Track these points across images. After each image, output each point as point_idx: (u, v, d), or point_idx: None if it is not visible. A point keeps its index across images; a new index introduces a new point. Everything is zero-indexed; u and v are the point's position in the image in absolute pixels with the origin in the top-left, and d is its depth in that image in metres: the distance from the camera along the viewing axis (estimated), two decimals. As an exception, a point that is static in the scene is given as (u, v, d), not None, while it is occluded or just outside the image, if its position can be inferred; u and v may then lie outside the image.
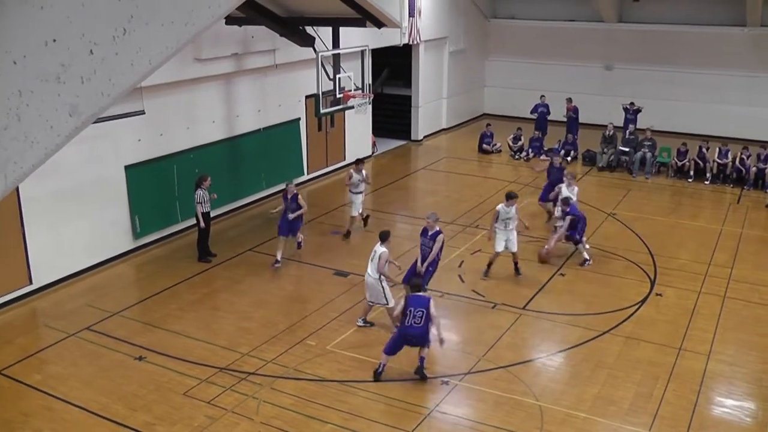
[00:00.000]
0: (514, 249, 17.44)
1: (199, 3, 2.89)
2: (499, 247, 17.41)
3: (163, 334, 14.96)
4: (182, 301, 16.47)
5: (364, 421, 12.03)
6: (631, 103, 29.22)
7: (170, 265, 18.37)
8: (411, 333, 13.03)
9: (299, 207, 18.20)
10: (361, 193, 20.36)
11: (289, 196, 18.17)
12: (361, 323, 15.28)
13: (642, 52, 32.59)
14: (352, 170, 20.32)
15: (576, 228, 18.25)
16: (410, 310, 12.98)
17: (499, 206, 17.49)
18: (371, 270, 14.69)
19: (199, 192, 18.13)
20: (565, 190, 19.54)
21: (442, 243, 15.80)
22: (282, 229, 18.24)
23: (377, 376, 13.24)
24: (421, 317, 12.94)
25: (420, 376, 13.22)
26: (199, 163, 20.15)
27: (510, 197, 17.50)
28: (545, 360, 14.05)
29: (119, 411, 12.31)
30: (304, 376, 13.33)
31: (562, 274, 17.75)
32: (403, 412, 12.32)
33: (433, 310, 12.99)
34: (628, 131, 27.77)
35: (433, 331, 13.02)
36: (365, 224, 20.73)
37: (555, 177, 21.15)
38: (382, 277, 14.60)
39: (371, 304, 15.10)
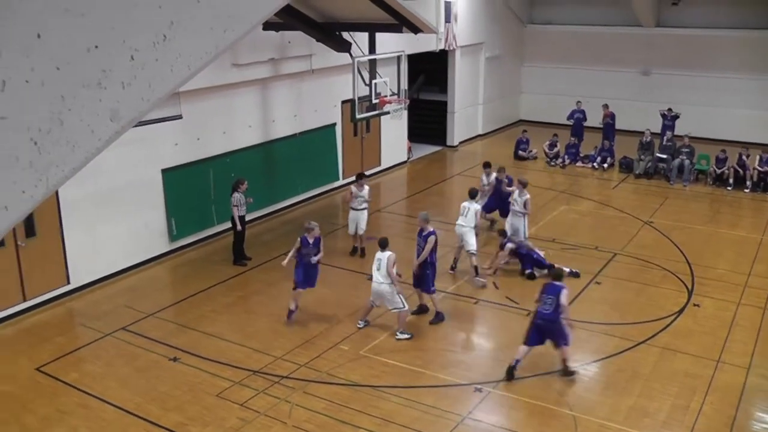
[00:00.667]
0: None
1: (238, 9, 2.93)
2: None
3: (197, 335, 15.07)
4: (217, 303, 16.58)
5: (396, 427, 12.02)
6: (669, 109, 28.97)
7: (205, 268, 18.51)
8: (542, 318, 13.35)
9: (320, 251, 15.92)
10: (362, 210, 19.06)
11: (310, 240, 15.77)
12: (361, 325, 15.38)
13: (680, 57, 32.30)
14: (353, 186, 19.30)
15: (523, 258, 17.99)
16: (542, 297, 13.42)
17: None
18: (380, 277, 14.82)
19: (236, 195, 18.29)
20: (518, 197, 19.01)
21: (434, 243, 15.73)
22: (301, 281, 15.75)
23: (510, 372, 13.40)
24: (551, 304, 13.24)
25: (567, 374, 13.49)
26: (235, 168, 20.27)
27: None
28: (580, 369, 13.95)
29: (153, 411, 12.42)
30: (336, 380, 13.36)
31: (598, 283, 17.63)
32: (436, 418, 12.29)
33: (563, 299, 13.23)
34: (665, 138, 27.50)
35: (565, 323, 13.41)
36: (362, 254, 19.23)
37: (498, 193, 20.94)
38: (393, 281, 14.75)
39: (374, 305, 15.37)
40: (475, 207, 17.57)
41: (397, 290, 14.84)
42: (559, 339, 13.36)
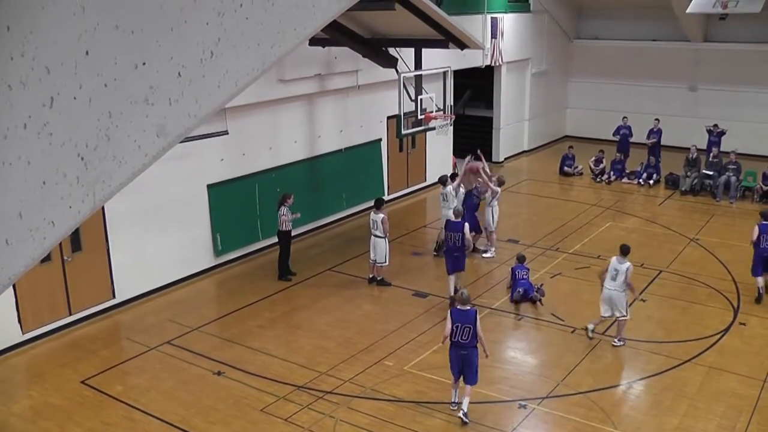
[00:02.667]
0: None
1: (285, 25, 2.92)
2: None
3: (242, 350, 15.11)
4: (262, 318, 16.62)
5: (440, 444, 11.96)
6: (715, 125, 28.59)
7: (250, 283, 18.57)
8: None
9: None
10: (382, 238, 18.18)
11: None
12: (591, 327, 15.68)
13: (727, 72, 31.85)
14: (371, 213, 18.60)
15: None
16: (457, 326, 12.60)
17: None
18: (617, 285, 15.02)
19: (283, 209, 18.39)
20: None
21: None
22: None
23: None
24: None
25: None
26: (280, 183, 20.35)
27: None
28: (625, 387, 13.80)
29: (198, 424, 12.46)
30: (381, 396, 13.32)
31: (643, 300, 17.42)
32: (480, 435, 12.23)
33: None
34: (711, 154, 27.09)
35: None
36: (379, 282, 18.49)
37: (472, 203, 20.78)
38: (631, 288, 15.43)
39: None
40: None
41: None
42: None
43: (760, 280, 17.29)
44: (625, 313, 15.16)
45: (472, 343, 12.58)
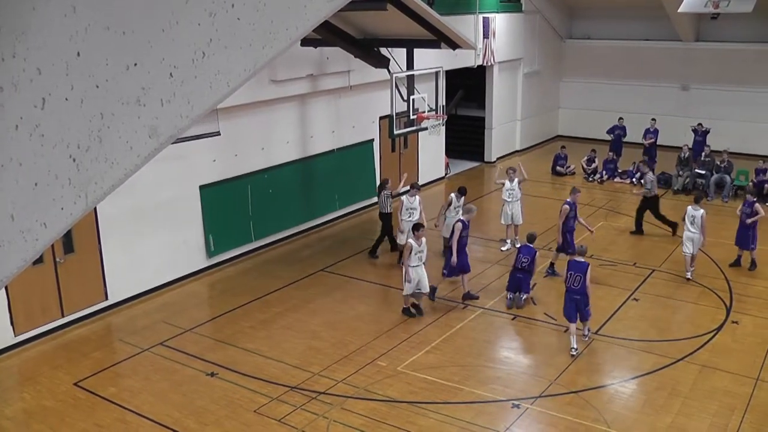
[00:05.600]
0: None
1: (276, 26, 2.91)
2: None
3: (234, 351, 15.10)
4: (254, 319, 16.61)
5: (434, 444, 11.97)
6: (699, 124, 28.75)
7: (243, 284, 18.56)
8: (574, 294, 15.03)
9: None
10: (410, 221, 18.91)
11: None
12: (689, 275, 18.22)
13: (719, 72, 31.97)
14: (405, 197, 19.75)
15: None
16: (570, 274, 14.98)
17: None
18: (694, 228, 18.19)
19: (384, 194, 19.58)
20: (508, 184, 20.87)
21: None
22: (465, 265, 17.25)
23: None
24: (580, 281, 14.87)
25: None
26: (272, 183, 20.36)
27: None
28: (618, 386, 13.81)
29: (191, 425, 12.45)
30: (374, 396, 13.32)
31: (636, 300, 17.46)
32: (473, 435, 12.24)
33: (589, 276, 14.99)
34: (704, 153, 27.12)
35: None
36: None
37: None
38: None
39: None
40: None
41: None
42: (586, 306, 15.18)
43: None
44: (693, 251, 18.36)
45: (582, 290, 14.83)
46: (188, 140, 17.43)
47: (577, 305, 14.98)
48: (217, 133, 18.73)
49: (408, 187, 20.55)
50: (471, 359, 14.76)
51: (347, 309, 17.10)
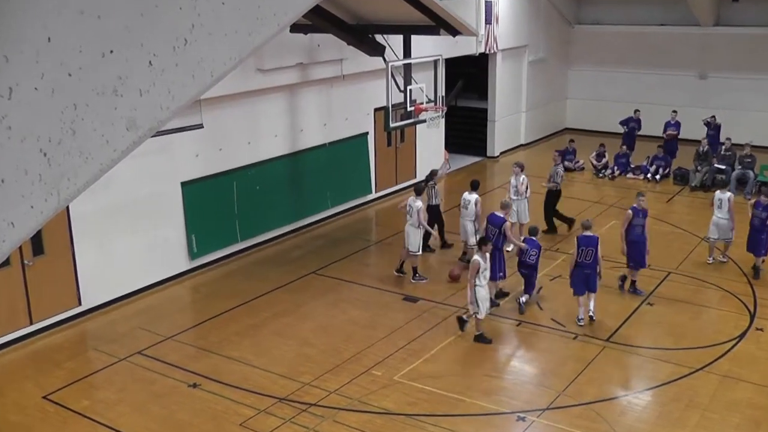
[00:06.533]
0: None
1: (264, 11, 2.91)
2: None
3: (219, 360, 15.08)
4: (240, 325, 16.59)
5: (433, 460, 11.97)
6: (713, 117, 28.67)
7: (228, 287, 18.54)
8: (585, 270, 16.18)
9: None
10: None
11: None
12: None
13: (741, 59, 31.80)
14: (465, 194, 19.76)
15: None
16: (582, 249, 16.12)
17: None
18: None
19: (430, 184, 20.01)
20: (513, 181, 20.87)
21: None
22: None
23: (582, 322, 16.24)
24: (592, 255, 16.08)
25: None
26: (260, 180, 20.35)
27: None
28: (631, 398, 13.80)
29: (172, 442, 12.44)
30: (369, 408, 13.30)
31: (650, 304, 17.45)
32: (476, 450, 12.25)
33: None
34: (723, 146, 26.97)
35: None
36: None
37: None
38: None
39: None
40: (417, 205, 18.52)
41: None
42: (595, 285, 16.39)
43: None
44: (731, 237, 19.21)
45: (594, 264, 16.08)
46: (169, 133, 17.40)
47: (587, 279, 16.11)
48: (200, 126, 18.70)
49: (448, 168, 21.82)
50: (473, 368, 14.76)
51: (340, 314, 17.09)
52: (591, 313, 16.28)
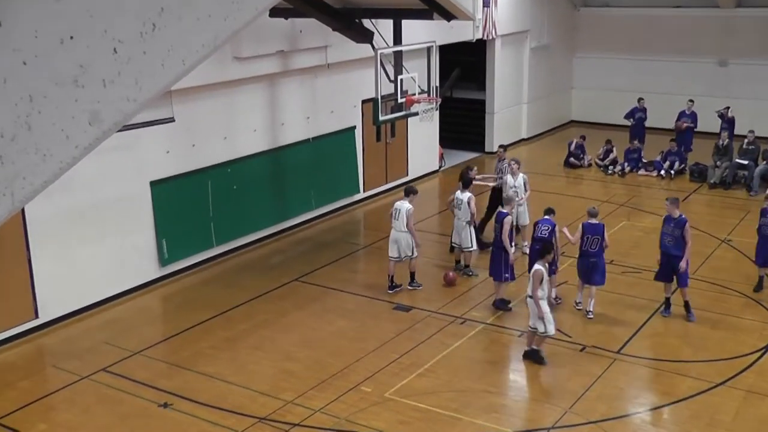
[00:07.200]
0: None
1: (240, -7, 2.90)
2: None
3: (192, 376, 15.05)
4: (216, 338, 16.57)
5: (429, 485, 11.97)
6: (727, 108, 28.59)
7: (202, 297, 18.52)
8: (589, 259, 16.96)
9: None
10: (465, 223, 19.50)
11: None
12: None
13: (765, 44, 31.84)
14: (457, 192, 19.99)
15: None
16: (587, 237, 16.91)
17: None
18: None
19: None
20: (510, 180, 20.98)
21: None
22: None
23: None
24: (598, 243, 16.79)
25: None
26: (237, 179, 20.34)
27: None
28: (644, 415, 13.82)
29: (141, 467, 12.42)
30: (357, 428, 13.28)
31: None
32: (475, 474, 12.25)
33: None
34: (746, 140, 26.92)
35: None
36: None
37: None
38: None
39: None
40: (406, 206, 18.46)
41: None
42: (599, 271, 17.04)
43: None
44: None
45: (599, 252, 16.83)
46: (137, 128, 17.32)
47: (592, 268, 16.89)
48: (171, 120, 18.66)
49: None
50: (470, 383, 14.76)
51: (325, 325, 17.08)
52: (589, 309, 16.83)
